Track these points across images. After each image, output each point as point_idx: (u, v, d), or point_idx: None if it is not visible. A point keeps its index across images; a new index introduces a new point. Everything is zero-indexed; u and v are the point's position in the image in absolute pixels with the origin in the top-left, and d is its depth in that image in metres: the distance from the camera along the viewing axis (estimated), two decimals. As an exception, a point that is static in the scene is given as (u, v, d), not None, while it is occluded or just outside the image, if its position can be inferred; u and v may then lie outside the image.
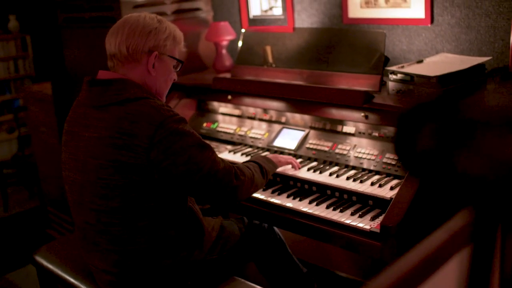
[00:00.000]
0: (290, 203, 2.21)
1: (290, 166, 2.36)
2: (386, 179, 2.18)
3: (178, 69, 2.00)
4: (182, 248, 1.93)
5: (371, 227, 1.97)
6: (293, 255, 2.38)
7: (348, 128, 2.40)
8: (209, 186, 1.85)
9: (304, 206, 2.18)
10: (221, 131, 2.81)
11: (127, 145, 1.75)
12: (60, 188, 3.76)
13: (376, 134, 2.31)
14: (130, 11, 2.87)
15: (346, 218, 2.06)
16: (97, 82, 1.85)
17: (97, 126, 1.81)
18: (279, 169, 2.38)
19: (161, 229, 1.86)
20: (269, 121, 2.69)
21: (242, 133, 2.74)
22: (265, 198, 2.27)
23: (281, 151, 2.53)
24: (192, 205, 2.00)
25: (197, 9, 3.19)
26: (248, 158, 2.54)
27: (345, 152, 2.36)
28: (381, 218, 2.03)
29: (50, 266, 2.27)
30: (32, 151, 4.62)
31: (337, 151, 2.38)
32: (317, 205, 2.17)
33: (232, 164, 1.97)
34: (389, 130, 2.27)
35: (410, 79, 2.21)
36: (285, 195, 2.29)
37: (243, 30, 2.97)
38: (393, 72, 2.27)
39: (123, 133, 1.75)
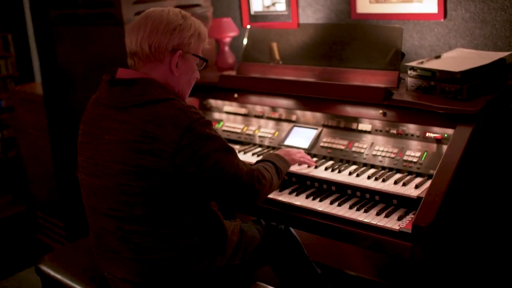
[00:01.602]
0: (311, 204, 2.14)
1: (310, 171, 2.28)
2: (408, 177, 2.13)
3: (202, 68, 1.90)
4: (206, 255, 1.84)
5: (400, 227, 1.91)
6: (308, 257, 2.33)
7: (364, 126, 2.34)
8: (233, 189, 1.80)
9: (325, 207, 2.11)
10: (227, 131, 2.73)
11: (151, 150, 1.65)
12: (50, 191, 3.63)
13: (395, 132, 2.26)
14: (130, 7, 2.76)
15: (372, 218, 2.00)
16: (118, 82, 1.75)
17: (119, 129, 1.70)
18: (295, 168, 2.31)
19: (184, 237, 1.77)
20: (278, 120, 2.62)
21: (250, 132, 2.66)
22: (284, 200, 2.19)
23: (293, 150, 2.46)
24: (215, 209, 1.92)
25: (197, 5, 3.10)
26: (259, 158, 2.46)
27: (362, 151, 2.30)
28: (408, 217, 1.98)
29: (58, 276, 2.16)
30: (16, 153, 4.46)
31: (353, 149, 2.32)
32: (339, 205, 2.11)
33: (251, 165, 1.93)
34: (408, 128, 2.22)
35: (431, 75, 2.16)
36: (303, 195, 2.22)
37: (248, 27, 2.89)
38: (413, 68, 2.23)
39: (146, 137, 1.65)
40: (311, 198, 2.18)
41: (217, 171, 1.72)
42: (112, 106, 1.74)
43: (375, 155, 2.26)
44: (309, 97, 2.48)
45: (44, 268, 2.22)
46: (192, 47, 1.81)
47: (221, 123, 2.78)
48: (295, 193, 2.25)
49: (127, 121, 1.69)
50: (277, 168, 2.08)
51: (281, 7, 2.98)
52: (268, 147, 2.57)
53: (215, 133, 1.74)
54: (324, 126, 2.46)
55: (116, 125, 1.71)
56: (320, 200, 2.16)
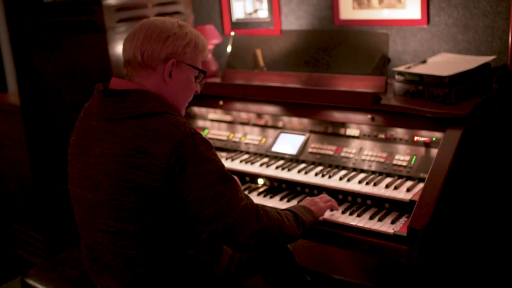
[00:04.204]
0: (303, 210, 2.13)
1: (300, 177, 2.28)
2: (399, 181, 2.15)
3: (200, 80, 1.83)
4: (202, 266, 1.81)
5: (395, 231, 1.92)
6: (299, 265, 2.32)
7: (352, 131, 2.36)
8: (223, 224, 1.64)
9: (318, 212, 2.11)
10: (212, 138, 2.71)
11: (143, 165, 1.60)
12: (28, 204, 3.55)
13: (383, 136, 2.28)
14: (112, 15, 2.73)
15: (365, 222, 2.01)
16: (112, 93, 1.71)
17: (111, 142, 1.65)
18: (285, 175, 2.31)
19: (180, 250, 1.73)
20: (265, 127, 2.61)
21: (236, 139, 2.65)
22: (275, 206, 2.18)
23: (281, 156, 2.46)
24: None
25: (177, 13, 3.08)
26: (247, 165, 2.46)
27: (351, 156, 2.31)
28: (401, 221, 2.00)
29: (47, 289, 2.11)
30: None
31: (342, 154, 2.33)
32: (331, 210, 2.11)
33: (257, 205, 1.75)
34: (396, 132, 2.25)
35: (419, 79, 2.19)
36: (295, 201, 2.22)
37: (232, 33, 2.89)
38: (401, 73, 2.25)
39: (139, 151, 1.60)
40: (303, 204, 2.18)
41: (207, 195, 1.61)
42: (105, 118, 1.69)
43: (364, 160, 2.28)
44: (295, 103, 2.48)
45: (31, 282, 2.16)
46: (187, 57, 1.74)
47: (206, 131, 2.76)
48: (286, 199, 2.25)
49: (120, 134, 1.64)
50: (297, 217, 1.86)
51: (263, 14, 2.98)
52: (255, 154, 2.56)
53: (210, 154, 1.64)
54: (311, 132, 2.47)
55: (108, 137, 1.66)
56: (313, 206, 2.16)
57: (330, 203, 2.06)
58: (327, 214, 2.09)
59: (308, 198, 2.08)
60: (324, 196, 2.10)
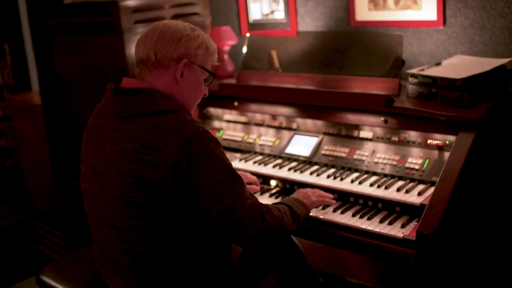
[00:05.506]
0: (313, 212, 2.13)
1: (312, 179, 2.28)
2: (411, 184, 2.13)
3: (209, 83, 1.87)
4: (210, 266, 1.82)
5: (404, 235, 1.91)
6: (311, 266, 2.32)
7: (365, 133, 2.35)
8: (230, 222, 1.68)
9: (328, 215, 2.11)
10: (228, 139, 2.72)
11: (152, 161, 1.62)
12: (49, 201, 3.62)
13: (396, 139, 2.26)
14: (129, 16, 2.76)
15: (375, 226, 2.00)
16: (123, 91, 1.74)
17: (121, 139, 1.69)
18: (297, 177, 2.31)
19: (188, 248, 1.75)
20: (279, 128, 2.61)
21: (251, 140, 2.66)
22: (286, 208, 2.19)
23: (295, 158, 2.47)
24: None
25: (195, 14, 3.10)
26: (261, 166, 2.47)
27: (363, 158, 2.30)
28: (411, 225, 1.98)
29: (60, 287, 2.14)
30: (13, 163, 4.44)
31: (355, 157, 2.33)
32: (342, 213, 2.11)
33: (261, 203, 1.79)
34: (409, 135, 2.23)
35: (432, 82, 2.17)
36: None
37: (248, 35, 2.90)
38: (414, 75, 2.23)
39: (149, 148, 1.63)
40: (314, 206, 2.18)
41: (213, 194, 1.64)
42: (115, 116, 1.73)
43: (376, 163, 2.26)
44: (309, 105, 2.48)
45: (46, 279, 2.20)
46: (198, 59, 1.79)
47: (222, 132, 2.78)
48: (297, 201, 2.25)
49: (130, 131, 1.68)
50: (293, 212, 1.93)
51: (279, 15, 2.99)
52: (269, 155, 2.57)
53: (218, 153, 1.67)
54: (325, 134, 2.46)
55: (118, 134, 1.70)
56: (323, 208, 2.16)
57: (323, 199, 2.12)
58: (338, 217, 2.08)
59: (300, 190, 2.14)
60: (317, 190, 2.15)
